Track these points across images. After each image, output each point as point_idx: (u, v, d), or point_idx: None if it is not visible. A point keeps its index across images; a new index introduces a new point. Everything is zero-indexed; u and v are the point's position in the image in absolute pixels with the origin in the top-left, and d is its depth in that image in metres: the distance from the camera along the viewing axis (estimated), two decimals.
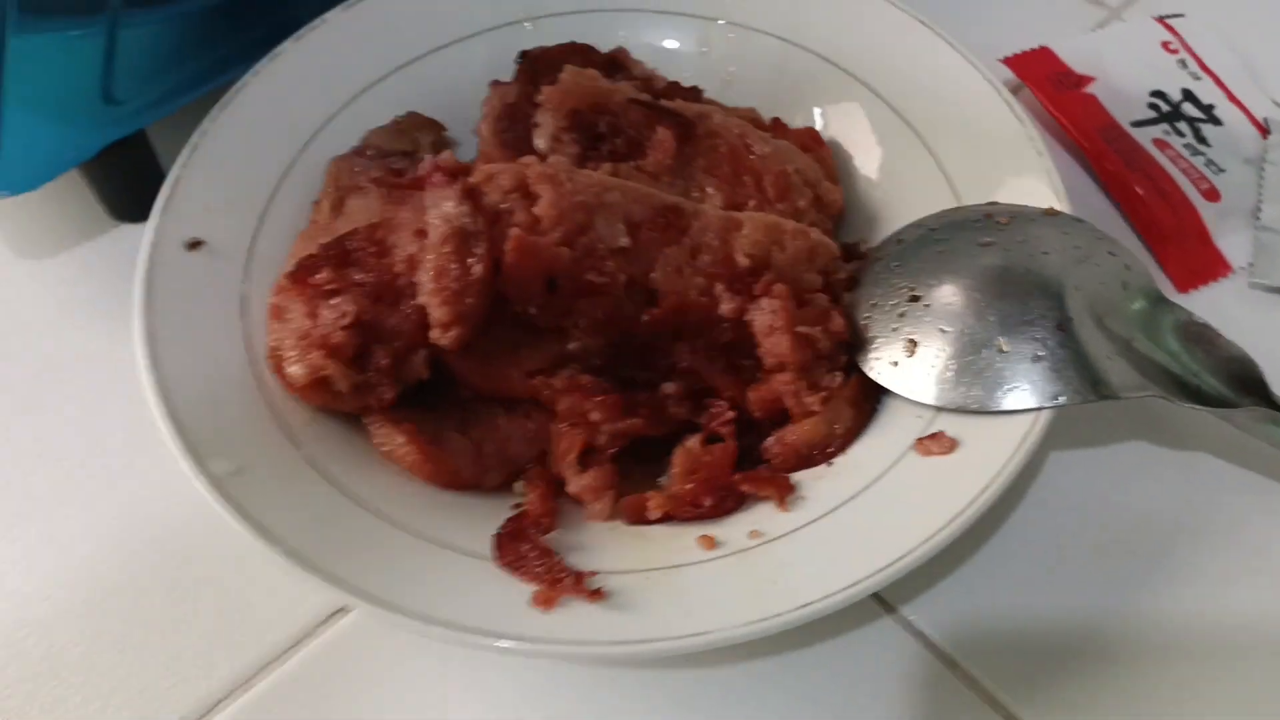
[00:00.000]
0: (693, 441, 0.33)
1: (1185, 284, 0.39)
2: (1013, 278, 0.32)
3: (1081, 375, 0.30)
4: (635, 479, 0.33)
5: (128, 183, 0.41)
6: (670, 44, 0.42)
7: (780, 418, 0.33)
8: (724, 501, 0.31)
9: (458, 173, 0.34)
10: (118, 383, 0.37)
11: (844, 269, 0.36)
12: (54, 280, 0.41)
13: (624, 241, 0.34)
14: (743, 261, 0.34)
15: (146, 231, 0.34)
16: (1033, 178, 0.35)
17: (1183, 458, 0.35)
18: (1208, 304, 0.39)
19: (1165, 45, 0.45)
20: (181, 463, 0.29)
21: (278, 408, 0.32)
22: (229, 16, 0.39)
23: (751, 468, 0.33)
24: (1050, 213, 0.34)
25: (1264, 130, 0.43)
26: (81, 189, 0.41)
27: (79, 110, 0.38)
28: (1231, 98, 0.44)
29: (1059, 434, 0.35)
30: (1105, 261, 0.33)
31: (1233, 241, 0.40)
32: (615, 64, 0.41)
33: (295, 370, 0.31)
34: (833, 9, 0.41)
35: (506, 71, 0.40)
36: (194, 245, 0.35)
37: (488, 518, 0.31)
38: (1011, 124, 0.36)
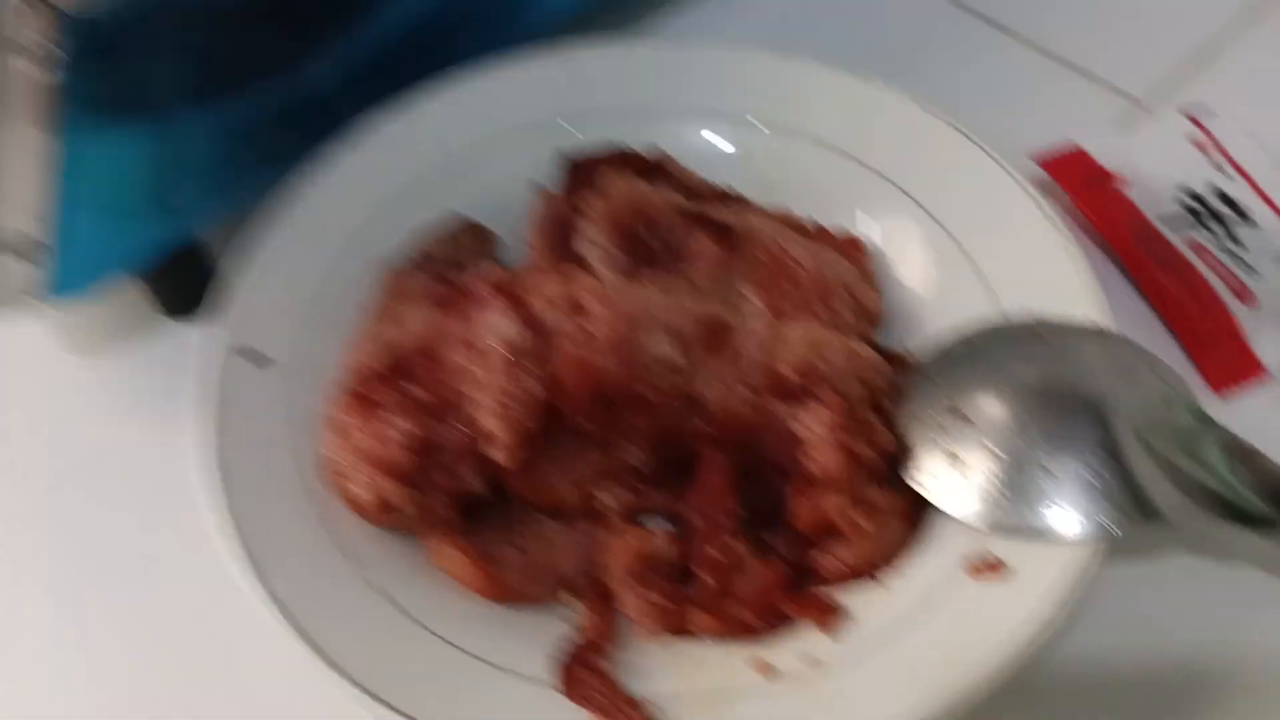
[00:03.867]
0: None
1: (1220, 386, 0.40)
2: (1056, 396, 0.33)
3: (1131, 500, 0.31)
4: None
5: (180, 281, 0.42)
6: (711, 145, 0.43)
7: (826, 530, 0.34)
8: (771, 622, 0.32)
9: (505, 286, 0.35)
10: (165, 480, 0.37)
11: (887, 378, 0.36)
12: (105, 376, 0.42)
13: (672, 355, 0.34)
14: (787, 374, 0.35)
15: (203, 339, 0.35)
16: (1073, 292, 0.36)
17: (1227, 575, 0.35)
18: (1243, 408, 0.39)
19: (1196, 143, 0.46)
20: (244, 580, 0.30)
21: (332, 523, 0.33)
22: (285, 125, 0.40)
23: (799, 578, 0.34)
24: (1093, 329, 0.35)
25: None
26: (133, 285, 0.42)
27: (134, 215, 0.39)
28: (1263, 196, 0.44)
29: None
30: (1147, 379, 0.33)
31: (1268, 345, 0.40)
32: (657, 168, 0.42)
33: (359, 492, 0.32)
34: (870, 116, 0.41)
35: (549, 167, 0.41)
36: (248, 353, 0.36)
37: (538, 632, 0.32)
38: (1051, 235, 0.37)
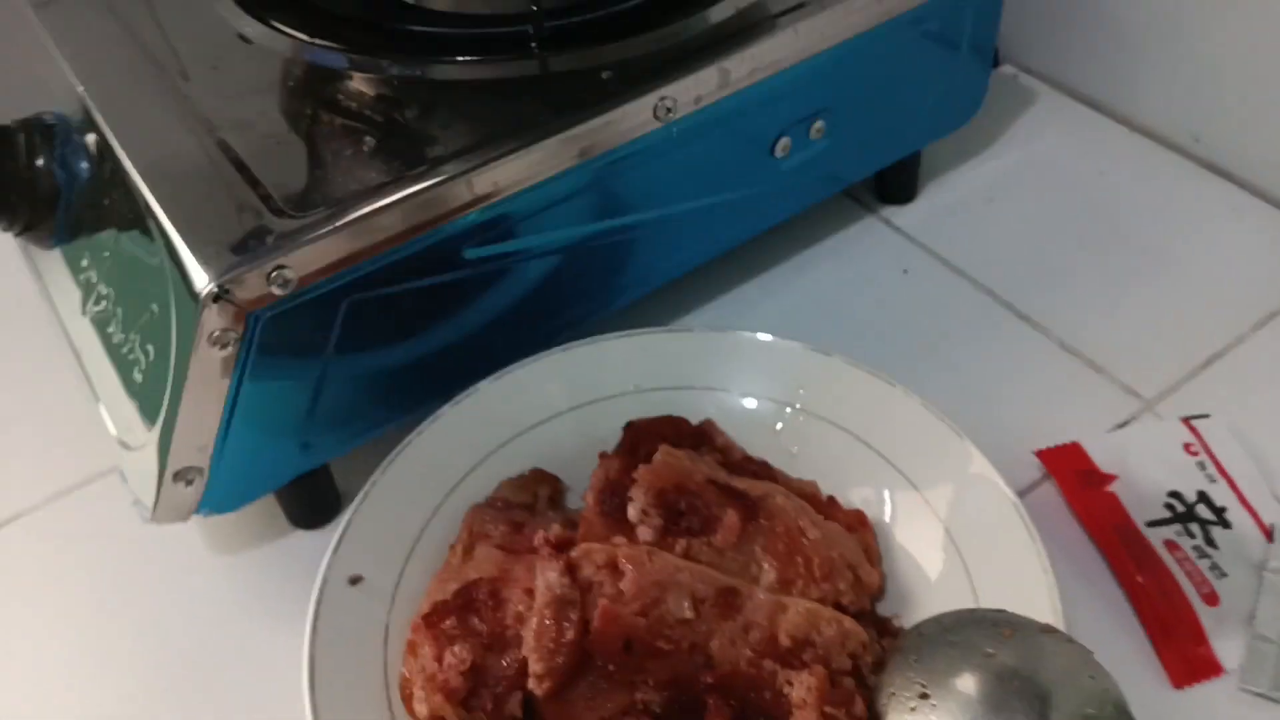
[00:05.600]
0: None
1: (1180, 681, 0.45)
2: (1006, 689, 0.39)
3: None
4: None
5: (308, 499, 0.52)
6: (751, 419, 0.51)
7: None
8: None
9: (563, 545, 0.43)
10: (275, 676, 0.46)
11: (875, 651, 0.43)
12: (239, 574, 0.51)
13: (689, 615, 0.42)
14: (785, 641, 0.41)
15: (321, 565, 0.44)
16: (1038, 592, 0.42)
17: None
18: (1200, 702, 0.44)
19: (1187, 447, 0.52)
20: None
21: None
22: (403, 380, 0.50)
23: None
24: (1047, 629, 0.40)
25: (1269, 536, 0.48)
26: (269, 499, 0.52)
27: (280, 451, 0.49)
28: (1244, 501, 0.50)
29: None
30: (1086, 683, 0.39)
31: (1227, 645, 0.45)
32: (702, 435, 0.51)
33: (420, 708, 0.40)
34: (884, 410, 0.49)
35: (618, 433, 0.49)
36: (354, 580, 0.44)
37: None
38: (1025, 540, 0.43)
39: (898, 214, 0.66)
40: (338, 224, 0.44)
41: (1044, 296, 0.61)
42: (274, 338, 0.44)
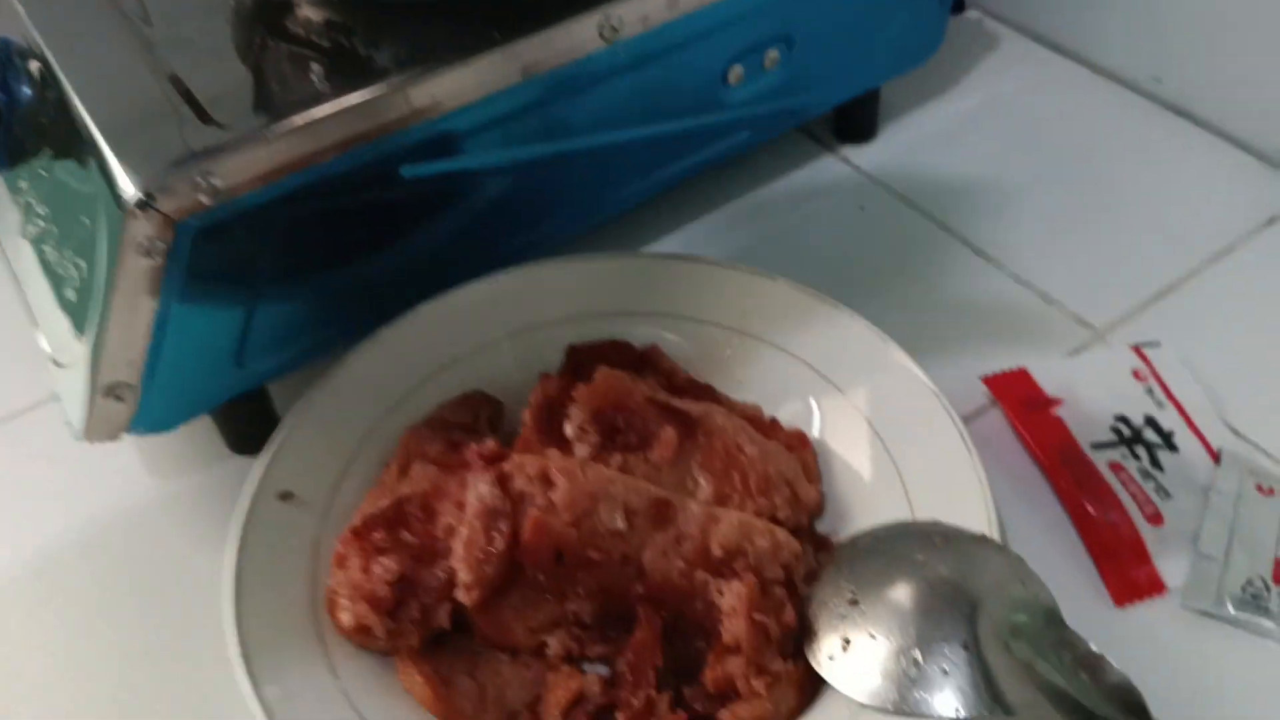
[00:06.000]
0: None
1: (1122, 599, 0.44)
2: (936, 596, 0.38)
3: (982, 691, 0.36)
4: None
5: (246, 423, 0.51)
6: (695, 346, 0.51)
7: (730, 690, 0.39)
8: None
9: (495, 459, 0.42)
10: (211, 596, 0.45)
11: (806, 563, 0.42)
12: (173, 497, 0.50)
13: (621, 526, 0.41)
14: (717, 552, 0.41)
15: (248, 481, 0.44)
16: (973, 505, 0.41)
17: None
18: (1141, 619, 0.44)
19: (1136, 373, 0.51)
20: (241, 684, 0.37)
21: (327, 641, 0.40)
22: (342, 300, 0.50)
23: None
24: (980, 539, 0.40)
25: (1217, 459, 0.48)
26: (208, 424, 0.51)
27: (214, 370, 0.48)
28: (1191, 426, 0.49)
29: None
30: (1017, 590, 0.39)
31: (1171, 564, 0.45)
32: (647, 359, 0.50)
33: (344, 617, 0.39)
34: (831, 336, 0.48)
35: (560, 357, 0.49)
36: (285, 496, 0.44)
37: None
38: (962, 453, 0.43)
39: (857, 153, 0.66)
40: (269, 135, 0.43)
41: (1000, 232, 0.60)
42: (204, 251, 0.43)
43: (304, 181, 0.44)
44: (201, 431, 0.51)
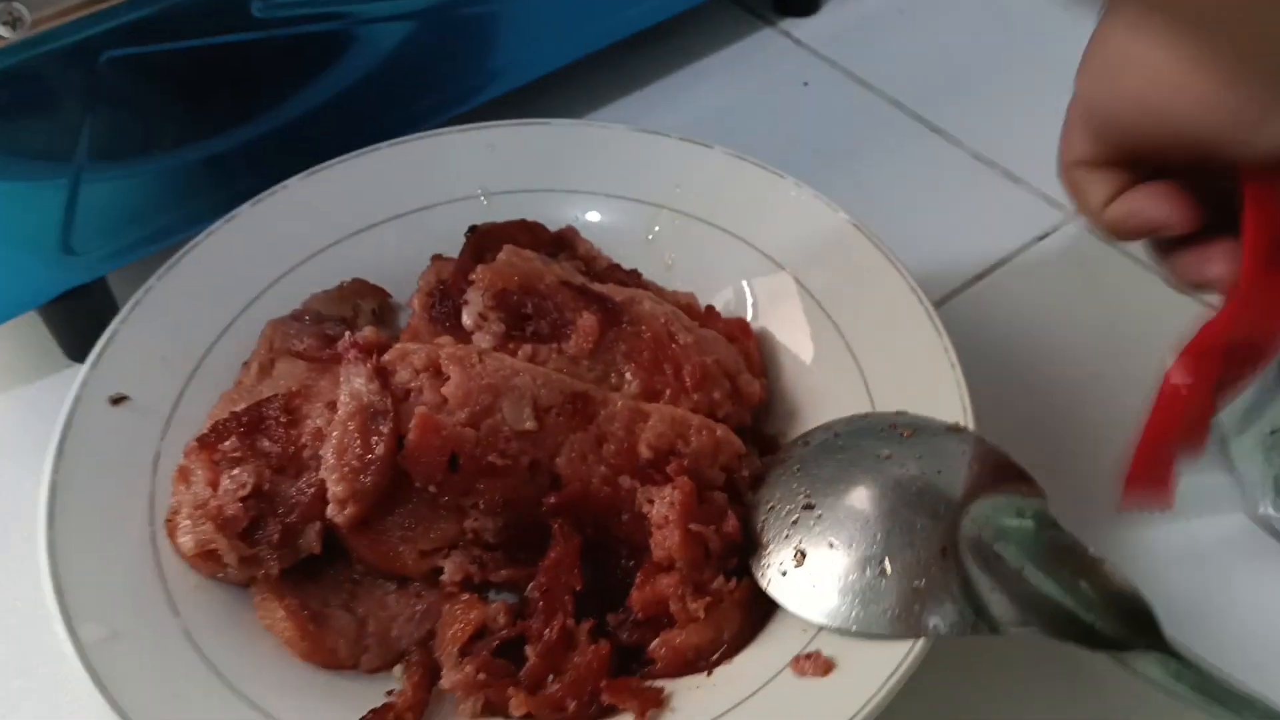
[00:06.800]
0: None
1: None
2: (906, 495, 0.32)
3: (962, 605, 0.30)
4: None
5: (84, 326, 0.43)
6: (618, 226, 0.43)
7: (664, 617, 0.33)
8: (588, 710, 0.31)
9: (374, 349, 0.35)
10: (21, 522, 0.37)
11: (751, 466, 0.36)
12: (6, 410, 0.43)
13: (529, 425, 0.34)
14: (645, 453, 0.34)
15: (75, 383, 0.36)
16: (943, 389, 0.35)
17: (1070, 689, 0.34)
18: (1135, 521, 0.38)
19: None
20: (55, 623, 0.30)
21: (166, 572, 0.33)
22: (195, 176, 0.41)
23: (639, 667, 0.33)
24: (954, 428, 0.34)
25: None
26: (41, 329, 0.43)
27: (36, 257, 0.40)
28: None
29: (942, 656, 0.33)
30: (1002, 485, 0.32)
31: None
32: (562, 242, 0.43)
33: (185, 540, 0.32)
34: (774, 207, 0.42)
35: (460, 242, 0.41)
36: (118, 400, 0.36)
37: (359, 703, 0.31)
38: (929, 334, 0.37)
39: (798, 26, 0.59)
40: None
41: (958, 108, 0.54)
42: (14, 97, 0.35)
43: (135, 16, 0.36)
44: (33, 336, 0.43)
